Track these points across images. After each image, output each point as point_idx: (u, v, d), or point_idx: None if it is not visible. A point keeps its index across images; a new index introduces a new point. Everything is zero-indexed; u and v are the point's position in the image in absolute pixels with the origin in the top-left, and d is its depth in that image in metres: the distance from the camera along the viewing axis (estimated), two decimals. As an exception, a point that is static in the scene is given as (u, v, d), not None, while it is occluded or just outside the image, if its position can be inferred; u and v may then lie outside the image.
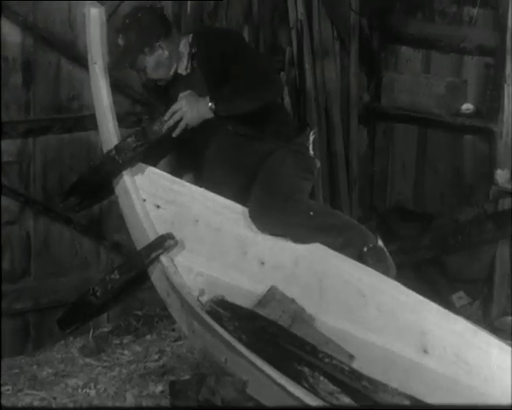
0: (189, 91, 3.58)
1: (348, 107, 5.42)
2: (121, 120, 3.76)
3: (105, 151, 3.61)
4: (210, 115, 3.55)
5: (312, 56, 5.20)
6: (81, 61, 4.23)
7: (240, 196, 3.64)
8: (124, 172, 3.57)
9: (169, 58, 3.68)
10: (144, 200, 3.58)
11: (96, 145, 4.18)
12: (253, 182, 3.66)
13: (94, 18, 3.57)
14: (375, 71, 5.62)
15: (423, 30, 5.43)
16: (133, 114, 4.67)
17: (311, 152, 3.85)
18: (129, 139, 3.54)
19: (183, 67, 3.76)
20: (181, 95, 3.57)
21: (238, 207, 3.59)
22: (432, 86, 5.28)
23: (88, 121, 4.34)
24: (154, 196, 3.57)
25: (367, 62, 5.57)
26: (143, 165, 3.62)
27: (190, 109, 3.53)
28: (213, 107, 3.53)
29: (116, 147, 3.54)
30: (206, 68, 3.68)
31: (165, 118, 3.54)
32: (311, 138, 3.87)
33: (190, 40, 3.75)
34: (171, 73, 3.73)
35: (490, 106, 5.03)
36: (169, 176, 3.63)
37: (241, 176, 3.72)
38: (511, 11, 4.70)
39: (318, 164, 3.90)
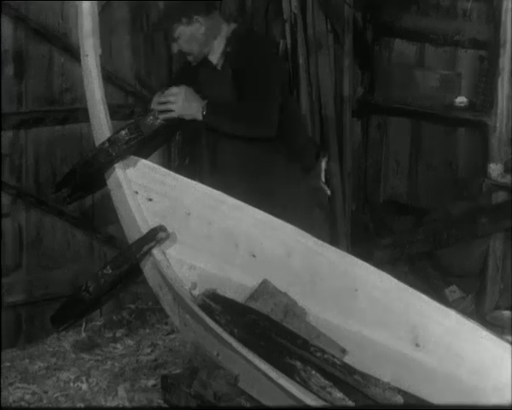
0: (186, 87, 3.59)
1: (342, 100, 5.41)
2: (113, 112, 3.75)
3: (97, 144, 3.60)
4: (199, 118, 3.58)
5: (306, 49, 5.19)
6: (74, 53, 4.21)
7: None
8: (116, 165, 3.56)
9: (204, 36, 3.69)
10: (136, 192, 3.57)
11: (88, 138, 4.15)
12: (263, 198, 3.68)
13: (86, 10, 3.55)
14: (368, 64, 5.62)
15: (417, 23, 5.42)
16: (125, 106, 4.66)
17: (323, 180, 3.90)
18: (122, 132, 3.53)
19: (214, 57, 3.77)
20: (181, 86, 3.58)
21: (230, 199, 3.58)
22: (426, 79, 5.28)
23: (80, 114, 4.32)
24: (146, 189, 3.56)
25: (361, 55, 5.57)
26: (136, 157, 3.61)
27: (185, 103, 3.54)
28: (204, 112, 3.56)
29: (109, 139, 3.53)
30: (233, 72, 3.68)
31: (162, 99, 3.56)
32: (323, 166, 3.92)
33: (229, 35, 3.76)
34: (203, 52, 3.74)
35: (483, 99, 5.03)
36: (161, 169, 3.61)
37: (252, 187, 3.74)
38: (505, 4, 4.69)
39: (329, 192, 3.96)
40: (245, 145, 3.73)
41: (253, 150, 3.74)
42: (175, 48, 3.78)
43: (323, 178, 3.91)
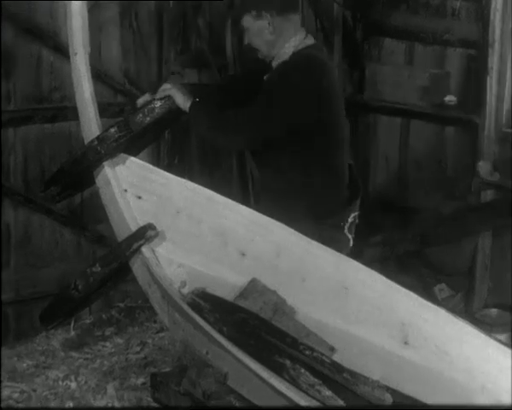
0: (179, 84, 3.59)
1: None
2: (103, 110, 3.74)
3: (86, 142, 3.59)
4: (185, 108, 3.52)
5: (295, 48, 5.18)
6: (63, 51, 4.20)
7: None
8: (105, 163, 3.55)
9: (272, 36, 3.47)
10: (125, 190, 3.57)
11: (77, 136, 4.15)
12: None
13: (75, 8, 3.55)
14: (358, 63, 5.62)
15: (407, 22, 5.43)
16: (115, 104, 4.65)
17: (346, 231, 3.65)
18: (111, 130, 3.52)
19: (276, 63, 3.55)
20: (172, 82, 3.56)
21: (220, 198, 3.58)
22: (415, 78, 5.28)
23: (69, 112, 4.31)
24: (136, 187, 3.55)
25: (350, 54, 5.57)
26: (125, 155, 3.60)
27: (177, 93, 3.52)
28: (187, 107, 3.51)
29: (98, 137, 3.52)
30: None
31: (157, 96, 3.55)
32: (350, 221, 3.66)
33: (296, 50, 3.51)
34: (271, 52, 3.53)
35: (473, 98, 5.04)
36: (150, 166, 3.61)
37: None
38: (494, 4, 4.70)
39: (351, 243, 3.68)
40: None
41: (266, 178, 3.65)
42: (246, 38, 3.64)
43: (347, 230, 3.66)
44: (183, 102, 3.52)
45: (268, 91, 3.45)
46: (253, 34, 3.52)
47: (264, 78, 3.58)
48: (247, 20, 3.51)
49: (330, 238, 3.53)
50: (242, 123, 3.49)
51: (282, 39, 3.49)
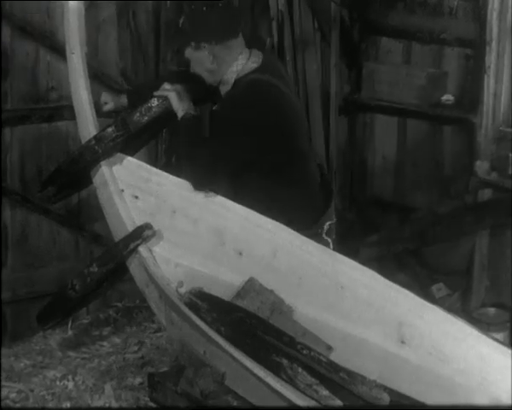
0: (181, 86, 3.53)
1: (328, 98, 5.42)
2: (99, 109, 3.74)
3: (84, 141, 3.59)
4: (178, 116, 3.49)
5: (293, 47, 5.19)
6: (60, 51, 4.19)
7: None
8: (102, 163, 3.55)
9: (213, 64, 3.47)
10: (122, 190, 3.57)
11: (73, 135, 4.15)
12: None
13: (72, 8, 3.54)
14: (355, 62, 5.62)
15: (404, 21, 5.43)
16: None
17: (324, 236, 3.69)
18: (108, 129, 3.52)
19: (223, 89, 3.56)
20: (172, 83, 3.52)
21: (217, 197, 3.58)
22: (412, 77, 5.29)
23: (66, 112, 4.31)
24: (133, 187, 3.55)
25: (347, 53, 5.57)
26: (122, 155, 3.60)
27: (175, 97, 3.49)
28: (180, 115, 3.48)
29: (95, 137, 3.52)
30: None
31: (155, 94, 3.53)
32: (326, 228, 3.69)
33: (243, 74, 3.49)
34: (216, 79, 3.53)
35: (470, 97, 5.05)
36: (147, 166, 3.61)
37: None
38: (491, 3, 4.70)
39: (331, 246, 3.70)
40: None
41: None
42: (191, 68, 3.60)
43: (325, 235, 3.69)
44: (177, 108, 3.48)
45: (216, 132, 3.45)
46: (195, 64, 3.52)
47: (214, 108, 3.58)
48: (188, 52, 3.51)
49: None
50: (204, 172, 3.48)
51: (224, 66, 3.48)
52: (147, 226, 3.45)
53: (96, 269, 3.52)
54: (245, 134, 3.41)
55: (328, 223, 3.69)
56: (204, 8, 3.42)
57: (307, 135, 3.78)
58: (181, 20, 3.52)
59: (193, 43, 3.46)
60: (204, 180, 3.51)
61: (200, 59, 3.48)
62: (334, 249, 3.66)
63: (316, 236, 3.64)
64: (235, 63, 3.49)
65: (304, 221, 3.59)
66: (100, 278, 3.55)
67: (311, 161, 3.71)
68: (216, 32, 3.44)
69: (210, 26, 3.43)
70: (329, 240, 3.72)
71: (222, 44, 3.45)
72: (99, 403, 3.92)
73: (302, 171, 3.63)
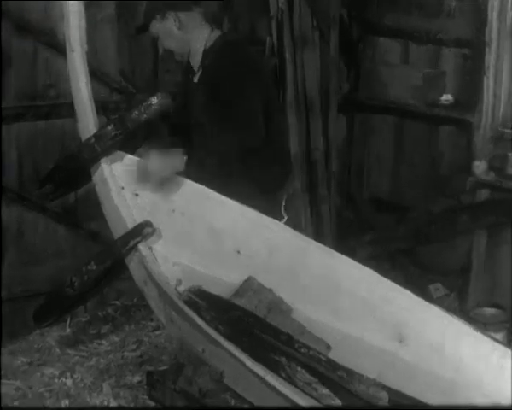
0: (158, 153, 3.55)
1: (328, 97, 5.42)
2: (98, 108, 3.73)
3: (83, 139, 3.59)
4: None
5: (292, 46, 5.19)
6: (58, 48, 4.19)
7: None
8: (102, 160, 3.55)
9: (181, 33, 3.69)
10: (122, 188, 3.57)
11: (70, 133, 4.14)
12: None
13: (72, 6, 3.54)
14: (353, 61, 5.62)
15: (401, 21, 5.43)
16: (111, 101, 4.64)
17: (283, 209, 3.89)
18: (108, 127, 3.52)
19: (195, 62, 3.77)
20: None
21: (215, 195, 3.58)
22: (410, 77, 5.29)
23: (63, 109, 4.30)
24: (132, 184, 3.55)
25: (346, 53, 5.58)
26: (121, 153, 3.61)
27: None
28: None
29: (95, 135, 3.52)
30: (211, 87, 3.64)
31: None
32: (285, 200, 3.89)
33: (209, 45, 3.73)
34: (185, 51, 3.74)
35: (467, 97, 5.05)
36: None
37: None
38: (491, 3, 4.71)
39: (285, 219, 3.89)
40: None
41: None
42: (160, 48, 3.80)
43: (283, 211, 3.89)
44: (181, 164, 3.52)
45: (233, 94, 3.55)
46: (164, 37, 3.72)
47: (195, 79, 3.74)
48: (155, 27, 3.71)
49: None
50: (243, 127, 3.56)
51: (190, 33, 3.71)
52: (147, 224, 3.45)
53: (94, 267, 3.51)
54: (256, 82, 3.65)
55: (286, 196, 3.88)
56: None
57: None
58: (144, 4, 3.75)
59: (158, 16, 3.67)
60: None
61: (168, 28, 3.68)
62: (331, 248, 3.68)
63: (278, 203, 3.82)
64: (201, 31, 3.72)
65: (271, 183, 3.78)
66: (98, 276, 3.55)
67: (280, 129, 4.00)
68: (179, 1, 3.69)
69: None
70: (285, 216, 3.86)
71: (186, 14, 3.68)
72: (97, 401, 3.93)
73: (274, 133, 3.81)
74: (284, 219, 3.85)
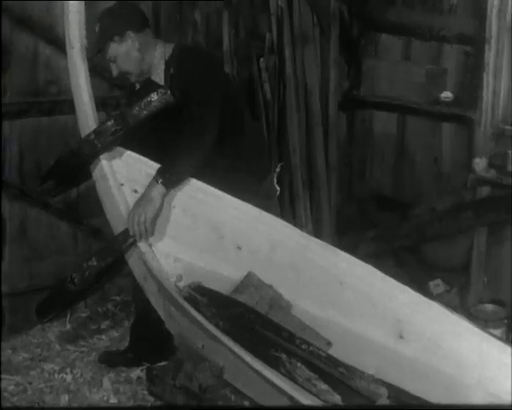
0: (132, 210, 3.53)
1: (328, 94, 5.41)
2: (98, 104, 3.74)
3: (83, 135, 3.59)
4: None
5: (292, 43, 5.19)
6: (59, 45, 4.19)
7: None
8: (101, 157, 3.56)
9: (139, 53, 3.70)
10: (122, 184, 3.57)
11: (72, 129, 4.14)
12: None
13: (72, 3, 3.55)
14: (354, 58, 5.61)
15: (403, 18, 5.41)
16: (111, 97, 4.64)
17: (276, 184, 4.01)
18: (108, 123, 3.53)
19: (158, 77, 3.77)
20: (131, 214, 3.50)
21: (215, 191, 3.59)
22: (411, 74, 5.27)
23: (65, 105, 4.30)
24: (132, 181, 3.56)
25: (347, 49, 5.56)
26: (121, 149, 3.61)
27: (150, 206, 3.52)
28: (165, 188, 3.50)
29: (95, 131, 3.53)
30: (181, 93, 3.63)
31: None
32: (277, 172, 4.07)
33: (169, 54, 3.77)
34: (143, 71, 3.74)
35: (469, 94, 5.04)
36: (147, 160, 3.61)
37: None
38: (491, 0, 4.70)
39: (278, 191, 4.05)
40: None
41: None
42: (114, 70, 3.76)
43: (276, 180, 4.02)
44: (161, 196, 3.50)
45: (199, 92, 3.59)
46: (122, 60, 3.71)
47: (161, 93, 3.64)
48: (113, 48, 3.70)
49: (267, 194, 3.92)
50: (206, 125, 3.57)
51: (148, 53, 3.73)
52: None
53: (95, 263, 3.53)
54: (216, 79, 3.74)
55: (276, 171, 4.06)
56: (116, 6, 3.77)
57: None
58: (97, 26, 3.69)
59: (116, 37, 3.67)
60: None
61: (127, 50, 3.69)
62: (331, 243, 3.70)
63: (271, 183, 3.97)
64: (158, 47, 3.76)
65: (263, 169, 3.93)
66: (99, 272, 3.56)
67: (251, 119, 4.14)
68: (135, 20, 3.72)
69: (128, 15, 3.74)
70: (278, 188, 4.03)
71: (141, 32, 3.71)
72: (97, 396, 3.92)
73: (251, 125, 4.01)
74: (278, 192, 4.03)
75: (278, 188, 4.05)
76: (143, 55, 3.72)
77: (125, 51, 3.69)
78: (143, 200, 3.47)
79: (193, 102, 3.57)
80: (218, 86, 3.70)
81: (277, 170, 4.11)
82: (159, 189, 3.47)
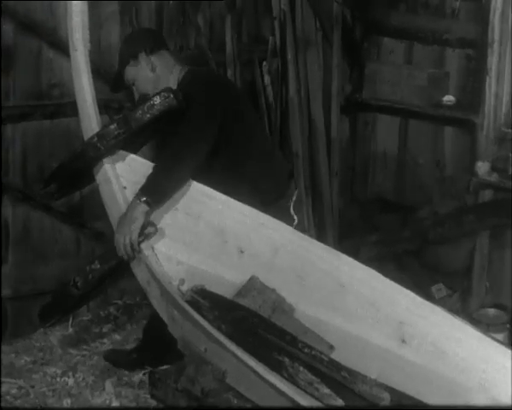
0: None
1: (330, 97, 5.41)
2: (102, 107, 3.74)
3: (86, 138, 3.60)
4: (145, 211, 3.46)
5: (295, 46, 5.19)
6: (63, 47, 4.19)
7: None
8: (105, 160, 3.56)
9: (153, 72, 3.76)
10: (125, 187, 3.57)
11: (76, 132, 4.14)
12: None
13: (76, 5, 3.55)
14: (357, 62, 5.62)
15: (406, 21, 5.42)
16: (114, 101, 4.64)
17: (292, 211, 3.89)
18: (111, 126, 3.53)
19: None
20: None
21: (219, 195, 3.59)
22: (414, 78, 5.28)
23: (68, 108, 4.31)
24: (135, 184, 3.55)
25: (349, 53, 5.57)
26: (124, 152, 3.62)
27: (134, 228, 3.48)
28: (148, 206, 3.44)
29: (98, 134, 3.53)
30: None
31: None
32: (293, 199, 3.91)
33: (180, 77, 3.80)
34: (159, 88, 3.68)
35: (471, 98, 5.05)
36: (149, 163, 3.61)
37: None
38: (494, 3, 4.70)
39: (296, 221, 3.88)
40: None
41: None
42: (135, 93, 3.84)
43: (292, 210, 3.89)
44: (143, 215, 3.45)
45: (193, 102, 3.59)
46: (139, 82, 3.78)
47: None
48: (130, 72, 3.80)
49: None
50: (193, 132, 3.56)
51: (163, 74, 3.79)
52: (149, 223, 3.46)
53: (98, 266, 3.53)
54: (215, 92, 3.71)
55: (292, 199, 3.91)
56: (131, 32, 4.06)
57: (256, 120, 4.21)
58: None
59: (131, 61, 3.76)
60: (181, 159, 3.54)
61: (142, 71, 3.77)
62: (335, 248, 3.69)
63: (282, 210, 3.79)
64: (174, 70, 3.81)
65: (271, 192, 3.78)
66: (102, 276, 3.56)
67: (267, 137, 4.23)
68: (147, 42, 3.80)
69: (142, 37, 3.89)
70: (295, 217, 3.88)
71: (156, 54, 3.78)
72: (99, 400, 3.92)
73: (262, 144, 3.93)
74: (295, 222, 3.85)
75: (296, 218, 3.90)
76: (157, 75, 3.77)
77: (140, 73, 3.77)
78: (126, 219, 3.43)
79: (185, 118, 3.57)
80: (220, 110, 3.64)
81: (293, 201, 3.93)
82: (141, 208, 3.43)
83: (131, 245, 3.43)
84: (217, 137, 3.59)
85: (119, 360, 4.17)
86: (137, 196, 3.43)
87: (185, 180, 3.55)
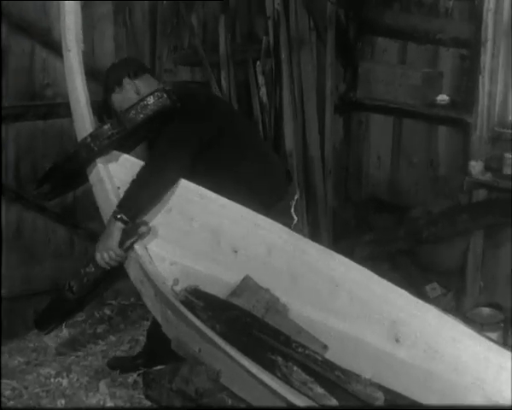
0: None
1: (324, 97, 5.41)
2: (95, 107, 3.73)
3: (79, 139, 3.59)
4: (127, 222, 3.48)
5: (289, 46, 5.19)
6: (56, 48, 4.18)
7: None
8: (98, 160, 3.56)
9: (138, 94, 3.74)
10: (118, 188, 3.57)
11: (69, 133, 4.14)
12: None
13: (69, 5, 3.55)
14: (351, 61, 5.62)
15: (400, 21, 5.43)
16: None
17: (293, 213, 3.89)
18: (104, 127, 3.53)
19: None
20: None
21: (212, 195, 3.59)
22: (408, 77, 5.28)
23: (61, 109, 4.30)
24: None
25: (343, 53, 5.57)
26: (118, 153, 3.61)
27: (106, 252, 3.53)
28: (125, 224, 3.47)
29: (91, 134, 3.53)
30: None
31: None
32: (294, 202, 3.91)
33: None
34: None
35: (465, 97, 5.05)
36: (143, 164, 3.60)
37: None
38: (487, 3, 4.71)
39: (295, 221, 3.90)
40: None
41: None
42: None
43: (293, 212, 3.89)
44: (119, 231, 3.47)
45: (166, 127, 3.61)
46: (125, 106, 3.70)
47: None
48: (116, 99, 3.79)
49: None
50: (165, 163, 3.55)
51: (146, 94, 3.69)
52: (142, 223, 3.46)
53: (92, 269, 3.52)
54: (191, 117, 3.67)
55: (294, 198, 3.92)
56: (114, 63, 3.97)
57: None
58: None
59: (116, 87, 3.76)
60: (164, 162, 3.55)
61: (127, 95, 3.75)
62: (329, 248, 3.68)
63: (285, 212, 3.79)
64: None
65: (270, 194, 3.76)
66: (97, 279, 3.55)
67: (261, 141, 4.30)
68: (130, 67, 3.83)
69: (125, 64, 3.93)
70: (295, 217, 3.88)
71: (140, 77, 3.79)
72: (93, 401, 3.92)
73: (257, 147, 3.96)
74: (294, 221, 3.87)
75: (295, 217, 3.91)
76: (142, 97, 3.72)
77: (126, 96, 3.75)
78: (104, 235, 3.49)
79: (163, 137, 3.58)
80: (200, 129, 3.65)
81: (294, 201, 3.94)
82: (117, 225, 3.45)
83: (113, 260, 3.47)
84: (204, 151, 3.63)
85: (125, 367, 4.16)
86: (114, 212, 3.46)
87: (163, 195, 3.56)
